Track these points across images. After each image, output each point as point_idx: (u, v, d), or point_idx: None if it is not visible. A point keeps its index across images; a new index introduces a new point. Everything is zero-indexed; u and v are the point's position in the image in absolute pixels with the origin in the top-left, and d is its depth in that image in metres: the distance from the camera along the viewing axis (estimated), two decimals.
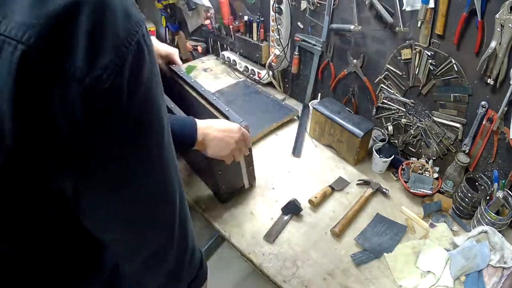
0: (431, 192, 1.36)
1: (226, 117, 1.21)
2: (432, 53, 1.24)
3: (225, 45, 2.19)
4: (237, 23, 1.99)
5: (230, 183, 1.32)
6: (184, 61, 2.56)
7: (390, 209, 1.36)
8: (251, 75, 2.04)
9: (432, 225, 1.29)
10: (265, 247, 1.22)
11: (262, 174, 1.46)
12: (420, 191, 1.37)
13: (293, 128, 1.75)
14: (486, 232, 1.16)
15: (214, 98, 1.28)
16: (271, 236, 1.25)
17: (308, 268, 1.16)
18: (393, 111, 1.49)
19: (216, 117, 1.23)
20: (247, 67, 2.04)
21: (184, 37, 2.54)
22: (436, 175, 1.41)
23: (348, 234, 1.27)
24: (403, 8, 1.25)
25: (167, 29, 2.55)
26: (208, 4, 2.11)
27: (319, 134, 1.63)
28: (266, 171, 1.48)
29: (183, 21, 2.47)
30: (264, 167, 1.50)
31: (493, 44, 1.05)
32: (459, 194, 1.28)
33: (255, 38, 1.92)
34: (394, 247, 1.22)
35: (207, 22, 2.17)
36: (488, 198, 1.22)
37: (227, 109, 1.23)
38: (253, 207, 1.35)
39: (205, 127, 1.05)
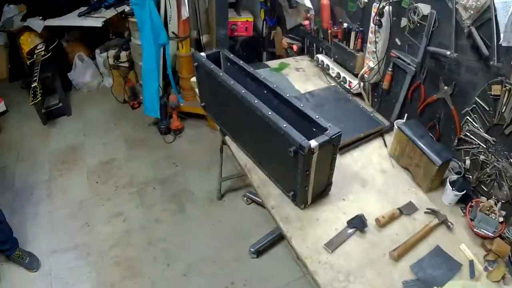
0: (493, 235, 1.32)
1: (316, 124, 1.28)
2: None
3: (320, 48, 2.23)
4: (335, 28, 2.01)
5: (315, 185, 1.36)
6: (277, 57, 2.65)
7: (450, 244, 1.34)
8: (342, 82, 2.06)
9: (486, 269, 1.26)
10: (322, 255, 1.29)
11: (337, 184, 1.50)
12: (482, 231, 1.33)
13: (375, 144, 1.75)
14: None
15: (301, 105, 1.35)
16: (332, 245, 1.31)
17: (359, 285, 1.21)
18: (473, 146, 1.44)
19: (303, 124, 1.31)
20: (339, 73, 2.06)
21: (281, 33, 2.59)
22: (501, 219, 1.35)
23: (405, 260, 1.29)
24: (499, 43, 1.19)
25: (264, 22, 2.61)
26: (309, 5, 2.14)
27: (399, 154, 1.63)
28: (341, 181, 1.53)
29: (282, 17, 2.51)
30: (340, 177, 1.53)
31: None
32: None
33: (351, 46, 1.94)
34: (445, 283, 1.22)
35: (306, 22, 2.22)
36: None
37: (317, 117, 1.30)
38: (320, 214, 1.43)
39: None
